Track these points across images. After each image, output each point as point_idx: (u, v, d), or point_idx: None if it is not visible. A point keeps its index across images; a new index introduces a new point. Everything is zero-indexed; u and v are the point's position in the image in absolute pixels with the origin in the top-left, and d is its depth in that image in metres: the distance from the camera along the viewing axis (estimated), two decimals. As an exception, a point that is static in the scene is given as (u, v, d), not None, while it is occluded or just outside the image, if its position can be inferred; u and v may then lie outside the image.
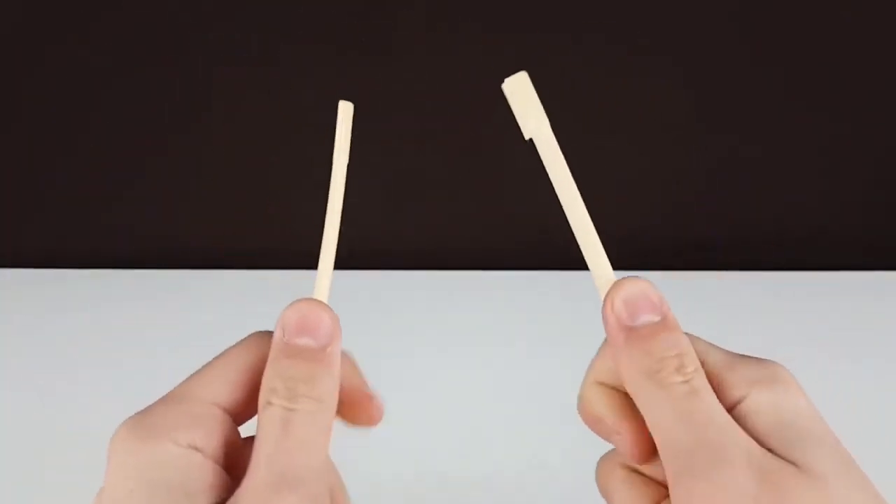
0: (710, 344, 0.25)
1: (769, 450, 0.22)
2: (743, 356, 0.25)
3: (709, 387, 0.23)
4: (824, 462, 0.22)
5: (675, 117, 0.67)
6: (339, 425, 0.27)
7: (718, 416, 0.22)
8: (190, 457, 0.23)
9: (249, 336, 0.27)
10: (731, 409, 0.23)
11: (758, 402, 0.23)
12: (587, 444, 0.30)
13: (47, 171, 0.71)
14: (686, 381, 0.23)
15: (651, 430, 0.23)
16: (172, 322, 0.67)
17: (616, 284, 0.24)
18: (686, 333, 0.25)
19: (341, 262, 0.82)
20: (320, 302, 0.27)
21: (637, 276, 0.24)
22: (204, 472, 0.23)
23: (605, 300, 0.24)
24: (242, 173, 0.71)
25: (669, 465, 0.22)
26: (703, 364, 0.24)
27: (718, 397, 0.23)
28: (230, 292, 0.70)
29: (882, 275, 0.71)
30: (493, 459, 0.53)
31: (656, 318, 0.24)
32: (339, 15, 0.63)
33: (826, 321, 0.66)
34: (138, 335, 0.65)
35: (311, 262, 0.82)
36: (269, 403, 0.24)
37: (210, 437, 0.24)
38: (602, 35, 0.64)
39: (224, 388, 0.26)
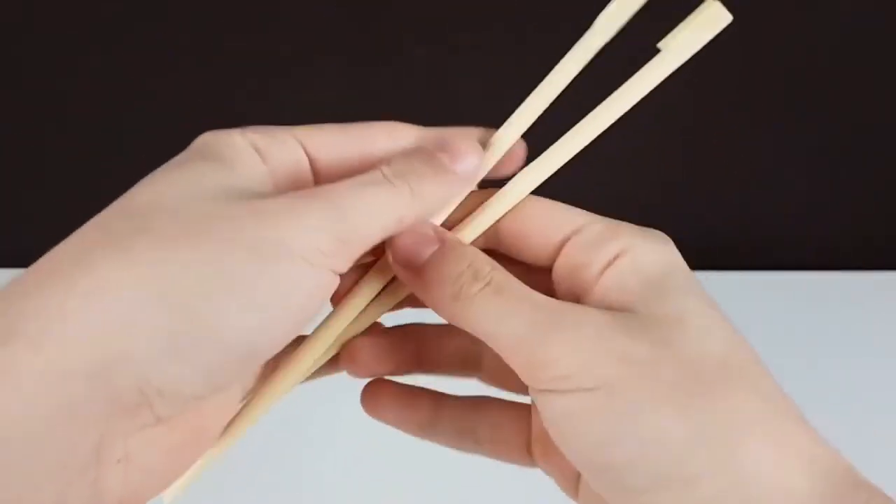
0: (593, 217, 0.24)
1: (627, 310, 0.22)
2: (626, 224, 0.24)
3: (512, 277, 0.22)
4: (683, 307, 0.21)
5: (674, 117, 0.67)
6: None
7: (537, 296, 0.22)
8: (252, 157, 0.23)
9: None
10: (596, 279, 0.23)
11: (622, 265, 0.23)
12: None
13: (48, 170, 0.71)
14: (488, 284, 0.22)
15: (496, 349, 0.22)
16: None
17: (390, 241, 0.23)
18: (570, 208, 0.24)
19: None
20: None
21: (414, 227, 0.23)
22: (258, 172, 0.23)
23: (389, 255, 0.23)
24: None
25: (516, 362, 0.21)
26: (574, 237, 0.24)
27: (586, 268, 0.23)
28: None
29: (882, 275, 0.71)
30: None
31: (436, 247, 0.23)
32: (338, 19, 0.63)
33: (826, 321, 0.66)
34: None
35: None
36: (383, 175, 0.22)
37: (279, 150, 0.24)
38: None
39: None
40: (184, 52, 0.65)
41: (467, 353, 0.27)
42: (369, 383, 0.27)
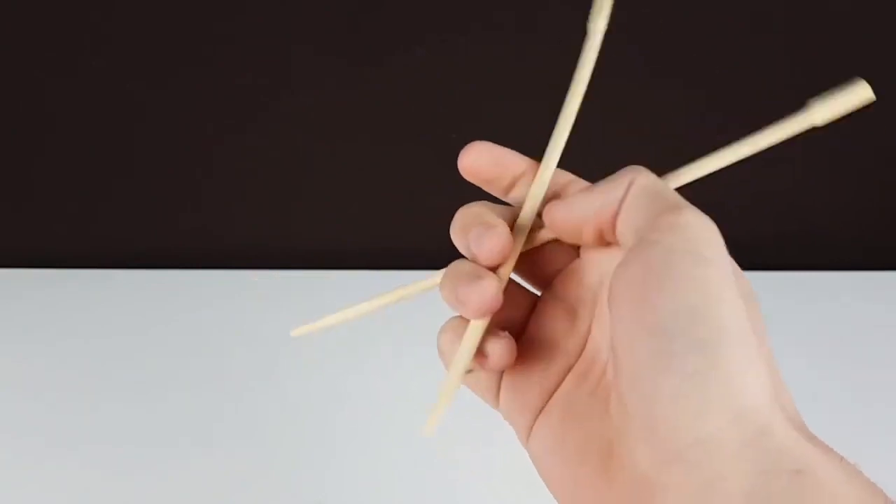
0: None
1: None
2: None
3: None
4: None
5: (675, 118, 0.67)
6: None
7: None
8: None
9: None
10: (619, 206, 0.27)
11: (634, 192, 0.27)
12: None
13: (47, 171, 0.71)
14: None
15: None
16: (172, 322, 0.67)
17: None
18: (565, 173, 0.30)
19: (341, 263, 0.82)
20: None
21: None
22: None
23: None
24: (241, 175, 0.71)
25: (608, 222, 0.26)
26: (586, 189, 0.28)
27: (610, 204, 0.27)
28: (230, 292, 0.70)
29: (882, 275, 0.71)
30: (494, 458, 0.53)
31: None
32: (340, 20, 0.63)
33: (826, 321, 0.66)
34: (138, 335, 0.65)
35: (310, 263, 0.82)
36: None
37: None
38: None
39: None
40: (184, 53, 0.65)
41: None
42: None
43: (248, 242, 0.74)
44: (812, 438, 0.22)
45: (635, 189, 0.27)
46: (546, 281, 0.29)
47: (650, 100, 0.66)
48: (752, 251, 0.74)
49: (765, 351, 0.23)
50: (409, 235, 0.73)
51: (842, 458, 0.21)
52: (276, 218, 0.73)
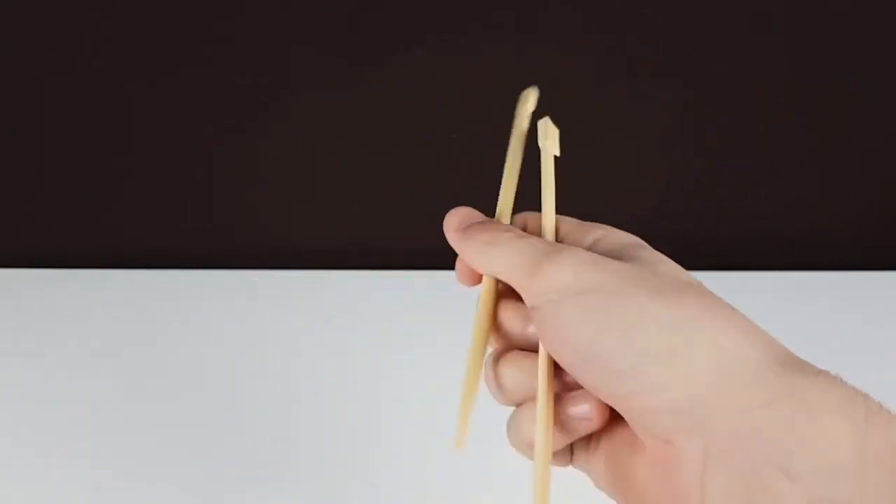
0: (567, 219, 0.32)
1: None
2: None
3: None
4: (657, 257, 0.28)
5: (674, 117, 0.67)
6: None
7: (547, 241, 0.29)
8: None
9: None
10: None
11: (605, 239, 0.29)
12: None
13: (47, 170, 0.71)
14: (514, 234, 0.29)
15: (511, 277, 0.28)
16: (173, 322, 0.67)
17: (453, 211, 0.32)
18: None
19: (341, 263, 0.82)
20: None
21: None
22: None
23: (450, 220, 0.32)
24: (241, 175, 0.71)
25: (525, 282, 0.27)
26: (563, 227, 0.31)
27: (577, 244, 0.30)
28: (230, 292, 0.70)
29: (882, 275, 0.71)
30: (495, 458, 0.53)
31: (482, 219, 0.32)
32: (338, 19, 0.63)
33: (826, 321, 0.66)
34: (138, 335, 0.65)
35: (310, 263, 0.82)
36: None
37: None
38: (599, 37, 0.64)
39: None
40: (184, 53, 0.65)
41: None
42: None
43: (248, 242, 0.74)
44: (787, 362, 0.25)
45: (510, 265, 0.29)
46: None
47: (650, 100, 0.66)
48: (752, 251, 0.74)
49: (706, 302, 0.26)
50: (409, 235, 0.73)
51: (819, 372, 0.25)
52: (276, 218, 0.73)
